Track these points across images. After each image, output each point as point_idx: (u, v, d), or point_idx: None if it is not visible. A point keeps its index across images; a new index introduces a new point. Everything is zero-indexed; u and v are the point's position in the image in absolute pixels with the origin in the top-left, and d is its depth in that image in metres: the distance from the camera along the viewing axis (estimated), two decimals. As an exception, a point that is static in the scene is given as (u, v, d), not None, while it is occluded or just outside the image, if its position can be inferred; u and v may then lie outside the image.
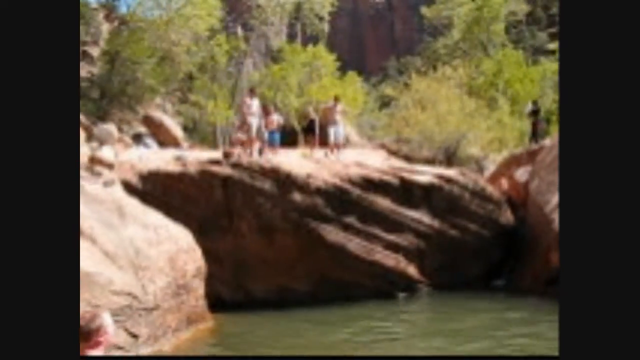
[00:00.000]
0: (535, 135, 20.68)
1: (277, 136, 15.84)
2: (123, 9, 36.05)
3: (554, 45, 36.63)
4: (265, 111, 16.27)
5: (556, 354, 7.87)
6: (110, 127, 19.29)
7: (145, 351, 8.71)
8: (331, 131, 15.32)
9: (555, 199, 13.11)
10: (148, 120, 25.82)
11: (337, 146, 15.40)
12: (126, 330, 8.50)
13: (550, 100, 28.50)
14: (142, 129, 25.20)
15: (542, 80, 30.92)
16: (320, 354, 8.78)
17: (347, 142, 16.10)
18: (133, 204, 10.69)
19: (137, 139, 22.35)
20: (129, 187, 11.89)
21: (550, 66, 32.25)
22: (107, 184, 10.56)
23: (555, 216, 12.64)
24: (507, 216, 14.79)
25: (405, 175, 13.98)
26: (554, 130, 22.59)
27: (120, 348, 8.17)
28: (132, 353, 8.46)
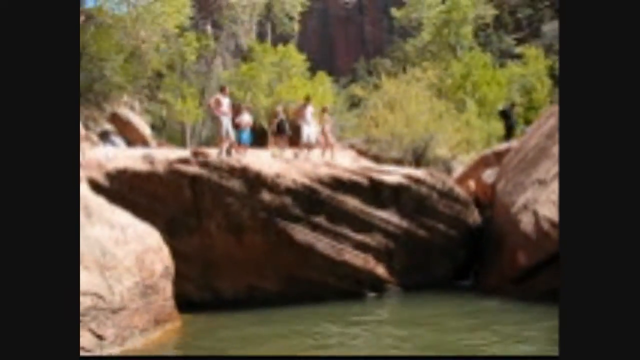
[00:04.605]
0: (510, 131, 21.35)
1: (246, 135, 15.77)
2: (90, 3, 35.27)
3: (520, 50, 37.28)
4: (237, 110, 16.19)
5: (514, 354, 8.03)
6: (76, 125, 18.86)
7: (111, 352, 8.57)
8: (304, 131, 15.32)
9: (521, 200, 13.32)
10: (115, 118, 25.47)
11: (309, 146, 15.41)
12: (91, 331, 8.36)
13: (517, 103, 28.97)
14: (109, 127, 24.83)
15: (509, 83, 31.44)
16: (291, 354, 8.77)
17: (317, 143, 16.06)
18: (100, 203, 10.53)
19: (104, 136, 22.03)
20: (95, 186, 11.71)
21: (517, 70, 32.82)
22: (72, 182, 10.35)
23: (522, 217, 12.84)
24: (474, 216, 14.98)
25: (374, 175, 14.05)
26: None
27: (84, 350, 8.03)
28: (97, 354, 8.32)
